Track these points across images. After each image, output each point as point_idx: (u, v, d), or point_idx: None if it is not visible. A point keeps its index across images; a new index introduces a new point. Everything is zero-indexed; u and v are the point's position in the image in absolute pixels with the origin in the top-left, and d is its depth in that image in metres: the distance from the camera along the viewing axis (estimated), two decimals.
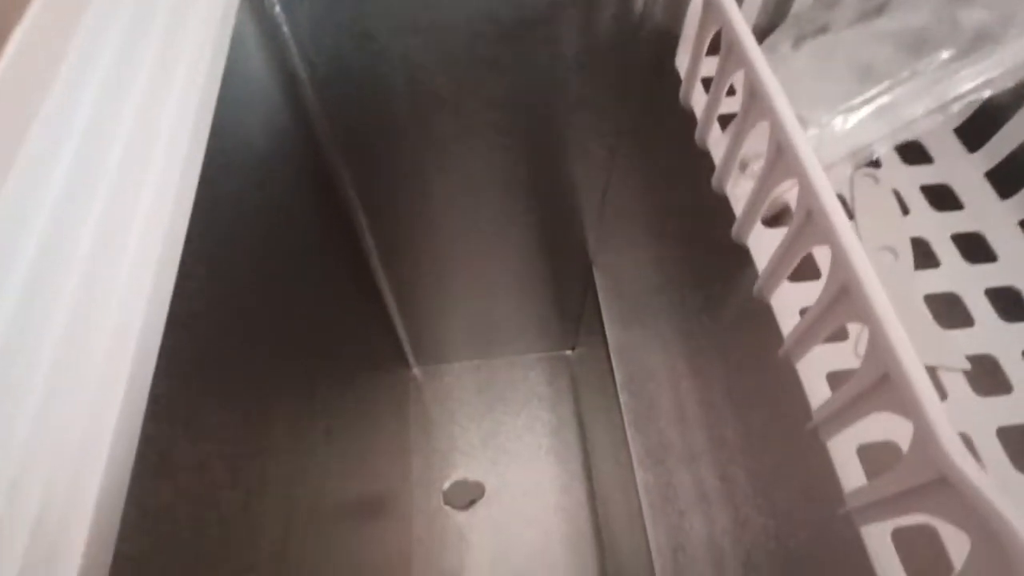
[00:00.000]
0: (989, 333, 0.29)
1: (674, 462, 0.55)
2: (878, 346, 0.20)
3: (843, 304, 0.22)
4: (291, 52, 0.43)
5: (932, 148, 0.35)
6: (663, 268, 0.65)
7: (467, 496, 0.77)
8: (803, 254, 0.26)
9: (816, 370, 0.30)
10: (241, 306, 0.32)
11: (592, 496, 0.78)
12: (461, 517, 0.76)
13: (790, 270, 0.29)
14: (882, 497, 0.24)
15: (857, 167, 0.35)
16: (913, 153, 0.35)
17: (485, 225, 0.65)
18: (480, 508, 0.77)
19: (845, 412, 0.24)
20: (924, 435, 0.18)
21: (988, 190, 0.34)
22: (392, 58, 0.44)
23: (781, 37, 0.36)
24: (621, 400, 0.58)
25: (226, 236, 0.30)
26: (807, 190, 0.23)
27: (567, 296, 0.78)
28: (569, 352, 0.90)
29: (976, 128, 0.35)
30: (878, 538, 0.28)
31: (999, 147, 0.34)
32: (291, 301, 0.43)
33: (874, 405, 0.22)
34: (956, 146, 0.36)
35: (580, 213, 0.66)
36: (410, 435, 0.82)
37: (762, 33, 0.38)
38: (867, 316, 0.20)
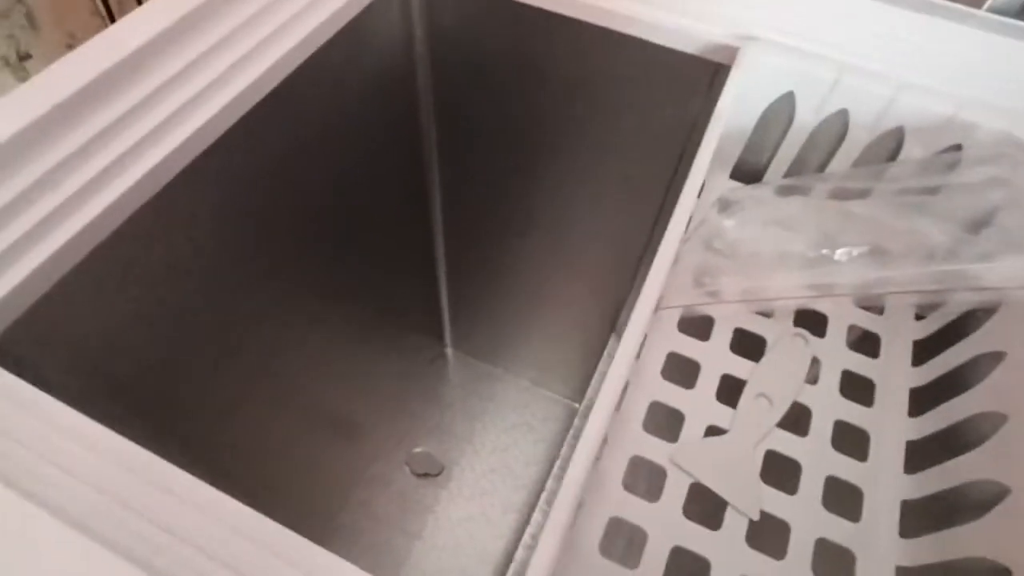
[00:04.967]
0: (800, 507, 0.30)
1: None
2: None
3: None
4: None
5: (885, 347, 0.36)
6: None
7: (425, 467, 0.83)
8: None
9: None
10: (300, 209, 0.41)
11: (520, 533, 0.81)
12: (412, 480, 0.83)
13: None
14: None
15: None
16: (866, 344, 0.36)
17: (560, 241, 0.60)
18: (430, 483, 0.83)
19: None
20: None
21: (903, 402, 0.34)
22: (514, 38, 0.42)
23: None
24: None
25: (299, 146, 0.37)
26: None
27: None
28: (578, 405, 0.92)
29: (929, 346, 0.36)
30: None
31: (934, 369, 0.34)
32: (345, 234, 0.49)
33: None
34: (906, 355, 0.36)
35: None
36: (416, 396, 0.91)
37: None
38: None
